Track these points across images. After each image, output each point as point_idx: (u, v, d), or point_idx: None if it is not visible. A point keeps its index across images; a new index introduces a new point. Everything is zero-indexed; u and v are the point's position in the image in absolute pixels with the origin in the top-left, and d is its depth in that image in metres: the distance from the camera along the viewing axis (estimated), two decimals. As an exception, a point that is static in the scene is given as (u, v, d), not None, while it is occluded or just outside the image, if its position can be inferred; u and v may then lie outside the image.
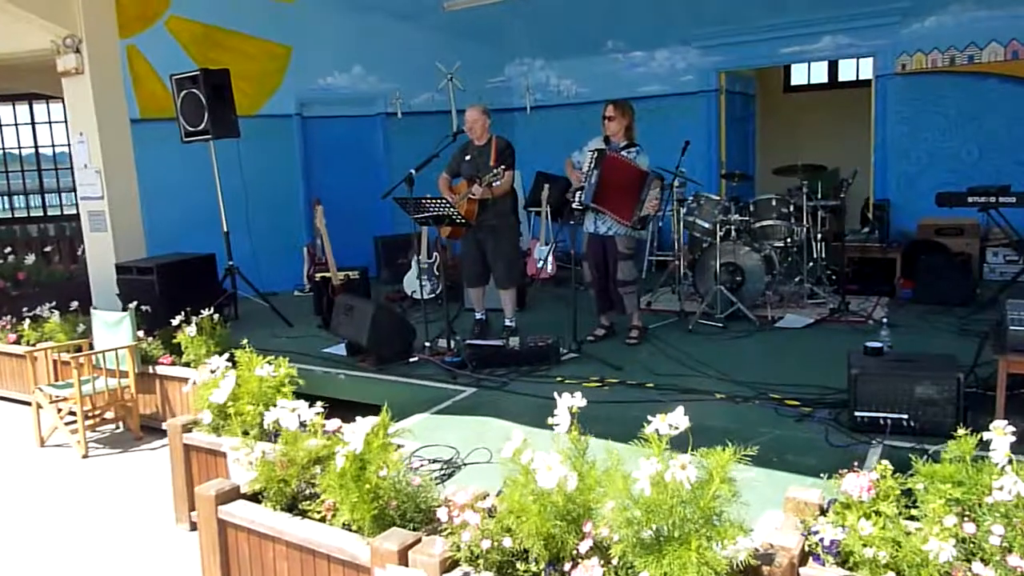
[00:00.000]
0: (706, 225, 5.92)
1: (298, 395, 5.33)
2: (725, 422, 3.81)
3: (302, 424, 2.88)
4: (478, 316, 5.84)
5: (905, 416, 3.48)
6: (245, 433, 3.45)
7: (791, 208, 5.90)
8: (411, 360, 5.12)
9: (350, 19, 8.23)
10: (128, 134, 7.47)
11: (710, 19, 7.62)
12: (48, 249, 9.15)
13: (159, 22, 7.53)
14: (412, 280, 6.94)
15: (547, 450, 2.16)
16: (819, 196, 6.08)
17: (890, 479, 2.26)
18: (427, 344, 5.15)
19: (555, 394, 2.39)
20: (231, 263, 6.64)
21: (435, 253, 6.77)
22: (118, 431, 5.56)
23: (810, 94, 10.21)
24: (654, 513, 1.94)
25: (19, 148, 12.72)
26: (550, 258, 7.41)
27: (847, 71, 9.87)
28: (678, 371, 4.71)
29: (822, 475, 2.63)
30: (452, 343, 5.15)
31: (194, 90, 6.23)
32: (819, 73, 10.11)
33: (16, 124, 12.73)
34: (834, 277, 6.06)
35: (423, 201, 4.97)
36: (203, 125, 6.25)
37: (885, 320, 4.46)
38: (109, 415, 5.52)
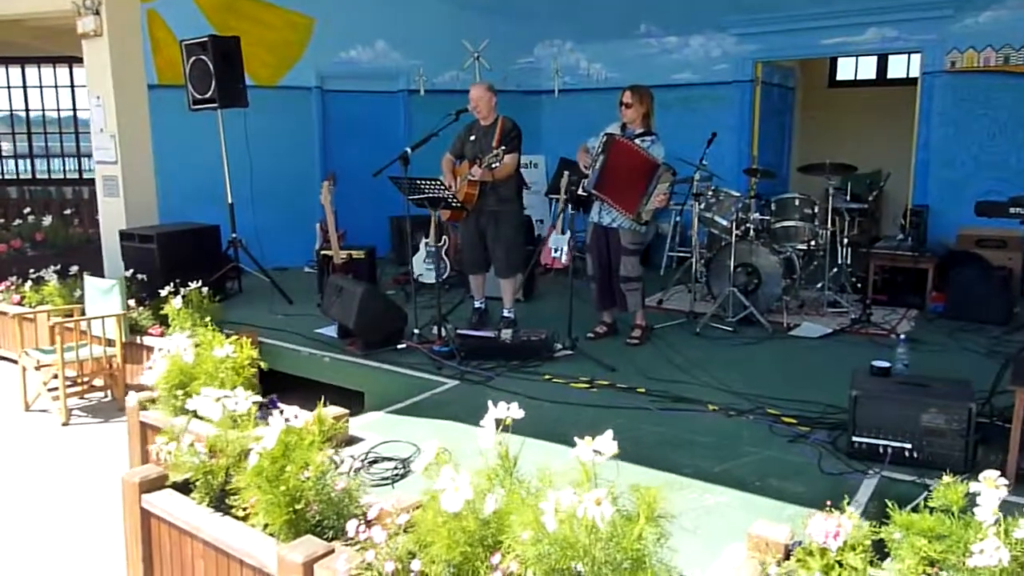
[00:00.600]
0: (723, 222, 5.58)
1: (280, 375, 5.24)
2: (712, 437, 3.53)
3: (233, 417, 2.68)
4: (477, 304, 5.62)
5: (908, 445, 3.15)
6: (197, 416, 3.30)
7: (814, 209, 5.52)
8: (399, 347, 4.92)
9: (375, -8, 8.02)
10: (145, 99, 7.36)
11: (748, 5, 7.21)
12: (68, 212, 9.16)
13: (181, -13, 7.41)
14: (420, 263, 6.74)
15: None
16: (847, 198, 5.68)
17: (862, 526, 1.98)
18: (416, 332, 4.93)
19: (489, 402, 2.14)
20: (235, 235, 6.51)
21: (444, 236, 6.54)
22: (106, 399, 5.49)
23: (856, 90, 9.67)
24: (569, 550, 1.69)
25: (58, 111, 12.86)
26: (565, 247, 7.12)
27: (897, 67, 9.32)
28: (675, 377, 4.42)
29: (804, 505, 2.36)
30: (443, 332, 4.93)
31: (203, 57, 6.09)
32: (867, 68, 9.57)
33: (56, 86, 12.86)
34: (859, 285, 5.67)
35: (418, 182, 4.74)
36: (210, 93, 6.10)
37: (903, 337, 4.09)
38: (98, 382, 5.45)
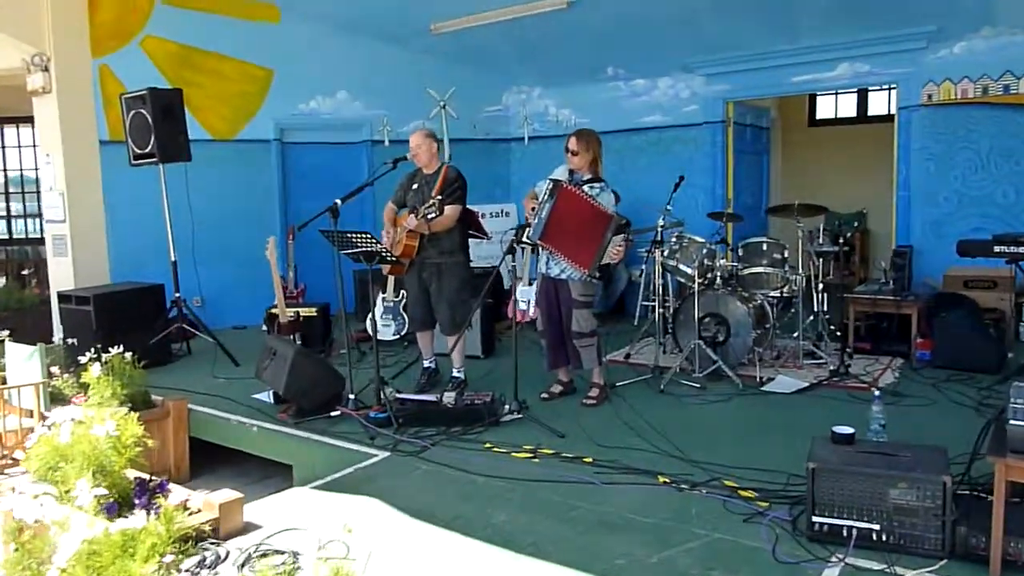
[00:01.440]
0: (687, 270, 5.21)
1: (205, 445, 4.84)
2: (657, 516, 3.10)
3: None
4: (425, 364, 5.24)
5: (875, 526, 2.73)
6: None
7: (784, 254, 5.16)
8: (332, 414, 4.52)
9: (335, 41, 7.82)
10: (96, 156, 7.13)
11: (714, 45, 6.95)
12: (25, 272, 8.88)
13: (134, 41, 7.21)
14: (378, 319, 6.37)
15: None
16: (820, 241, 5.32)
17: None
18: (351, 397, 4.54)
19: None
20: (178, 295, 6.17)
21: (402, 291, 6.19)
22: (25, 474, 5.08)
23: (837, 128, 9.40)
24: None
25: (21, 171, 12.66)
26: (532, 299, 6.76)
27: (878, 104, 9.05)
28: (629, 443, 4.00)
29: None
30: (382, 396, 4.53)
31: (142, 110, 5.83)
32: (848, 106, 9.31)
33: (19, 146, 12.69)
34: (838, 333, 5.26)
35: (349, 235, 4.41)
36: (149, 148, 5.83)
37: (878, 393, 3.67)
38: (19, 455, 5.05)
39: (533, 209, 4.44)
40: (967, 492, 2.85)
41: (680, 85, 7.51)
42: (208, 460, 4.90)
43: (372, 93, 8.12)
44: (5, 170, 12.33)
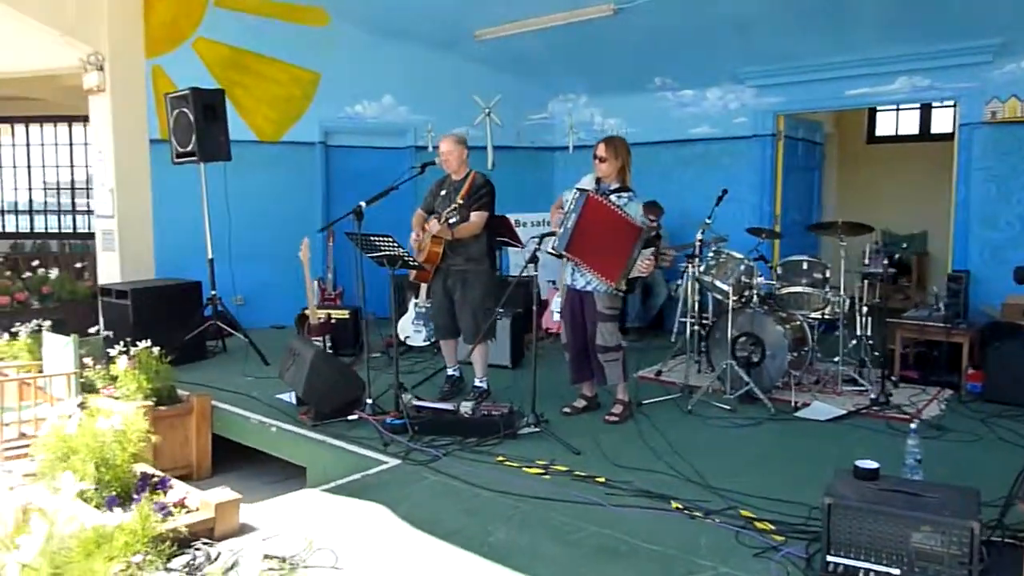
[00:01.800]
0: (723, 287, 5.02)
1: (231, 443, 4.86)
2: (663, 544, 2.94)
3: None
4: (450, 372, 5.17)
5: (896, 571, 2.53)
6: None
7: (826, 274, 4.92)
8: (350, 418, 4.48)
9: (382, 46, 7.86)
10: (146, 154, 7.30)
11: (765, 55, 6.72)
12: (80, 265, 9.17)
13: (186, 43, 7.38)
14: (407, 325, 6.32)
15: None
16: (865, 261, 5.06)
17: None
18: (369, 401, 4.49)
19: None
20: (214, 292, 6.25)
21: (433, 297, 6.13)
22: (57, 464, 5.18)
23: (897, 146, 9.01)
24: None
25: (87, 167, 13.12)
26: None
27: (941, 121, 8.64)
28: (647, 464, 3.84)
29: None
30: (400, 403, 4.47)
31: (184, 109, 5.94)
32: (910, 123, 8.92)
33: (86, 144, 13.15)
34: (882, 360, 4.99)
35: (372, 238, 4.38)
36: (190, 146, 5.93)
37: (914, 427, 3.43)
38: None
39: (560, 219, 4.34)
40: (1000, 539, 2.62)
41: (729, 96, 7.29)
42: (232, 458, 4.92)
43: (417, 99, 8.13)
44: (72, 167, 12.84)
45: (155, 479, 3.19)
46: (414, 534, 3.06)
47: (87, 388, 5.15)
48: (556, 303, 6.96)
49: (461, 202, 4.43)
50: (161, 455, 4.69)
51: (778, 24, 6.26)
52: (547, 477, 3.67)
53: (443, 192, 4.86)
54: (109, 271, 7.38)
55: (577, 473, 3.70)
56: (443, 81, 8.16)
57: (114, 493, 3.05)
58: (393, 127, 8.12)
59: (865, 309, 5.15)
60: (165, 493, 3.09)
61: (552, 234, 4.33)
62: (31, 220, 12.78)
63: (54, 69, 7.58)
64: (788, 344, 4.84)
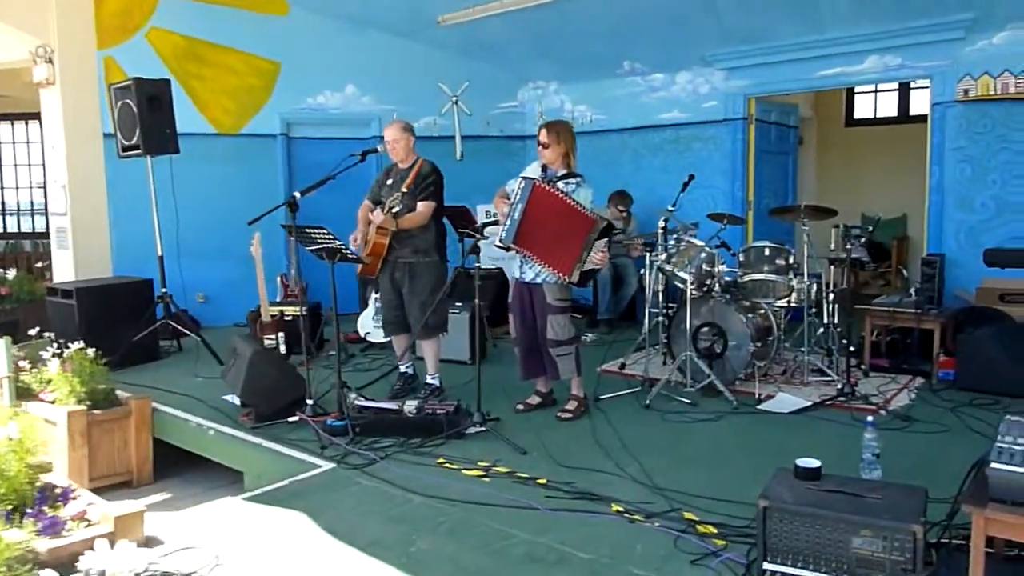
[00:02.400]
0: (684, 276, 4.82)
1: (176, 449, 4.66)
2: (596, 551, 2.75)
3: None
4: (403, 369, 4.97)
5: (834, 579, 2.33)
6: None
7: (790, 260, 4.72)
8: (291, 419, 4.28)
9: (344, 34, 7.64)
10: (99, 148, 7.07)
11: (735, 37, 6.50)
12: (40, 265, 8.95)
13: (139, 33, 7.15)
14: (367, 320, 6.13)
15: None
16: (831, 247, 4.86)
17: None
18: (309, 402, 4.29)
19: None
20: (164, 290, 6.03)
21: (395, 291, 5.93)
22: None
23: (875, 128, 8.80)
24: None
25: (44, 165, 12.86)
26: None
27: (920, 103, 8.42)
28: (595, 463, 3.65)
29: None
30: (343, 403, 4.26)
31: (127, 101, 5.71)
32: (888, 105, 8.70)
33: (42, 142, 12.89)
34: (851, 348, 4.79)
35: (308, 231, 4.17)
36: (135, 139, 5.71)
37: (871, 419, 3.24)
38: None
39: (503, 215, 4.13)
40: (947, 541, 2.43)
41: (699, 80, 7.08)
42: (179, 463, 4.72)
43: (381, 88, 7.91)
44: (44, 165, 12.60)
45: (58, 491, 2.99)
46: (332, 545, 2.87)
47: (25, 393, 4.96)
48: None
49: (406, 191, 4.22)
50: (96, 461, 4.51)
51: (747, 4, 6.05)
52: (487, 480, 3.47)
53: (389, 181, 4.66)
54: (63, 270, 7.17)
55: (519, 475, 3.50)
56: (408, 69, 7.94)
57: (11, 507, 2.85)
58: (357, 117, 7.89)
59: (831, 296, 4.95)
60: (65, 505, 2.89)
61: (495, 223, 4.12)
62: (3, 221, 12.55)
63: (4, 63, 7.35)
64: (752, 334, 4.65)
